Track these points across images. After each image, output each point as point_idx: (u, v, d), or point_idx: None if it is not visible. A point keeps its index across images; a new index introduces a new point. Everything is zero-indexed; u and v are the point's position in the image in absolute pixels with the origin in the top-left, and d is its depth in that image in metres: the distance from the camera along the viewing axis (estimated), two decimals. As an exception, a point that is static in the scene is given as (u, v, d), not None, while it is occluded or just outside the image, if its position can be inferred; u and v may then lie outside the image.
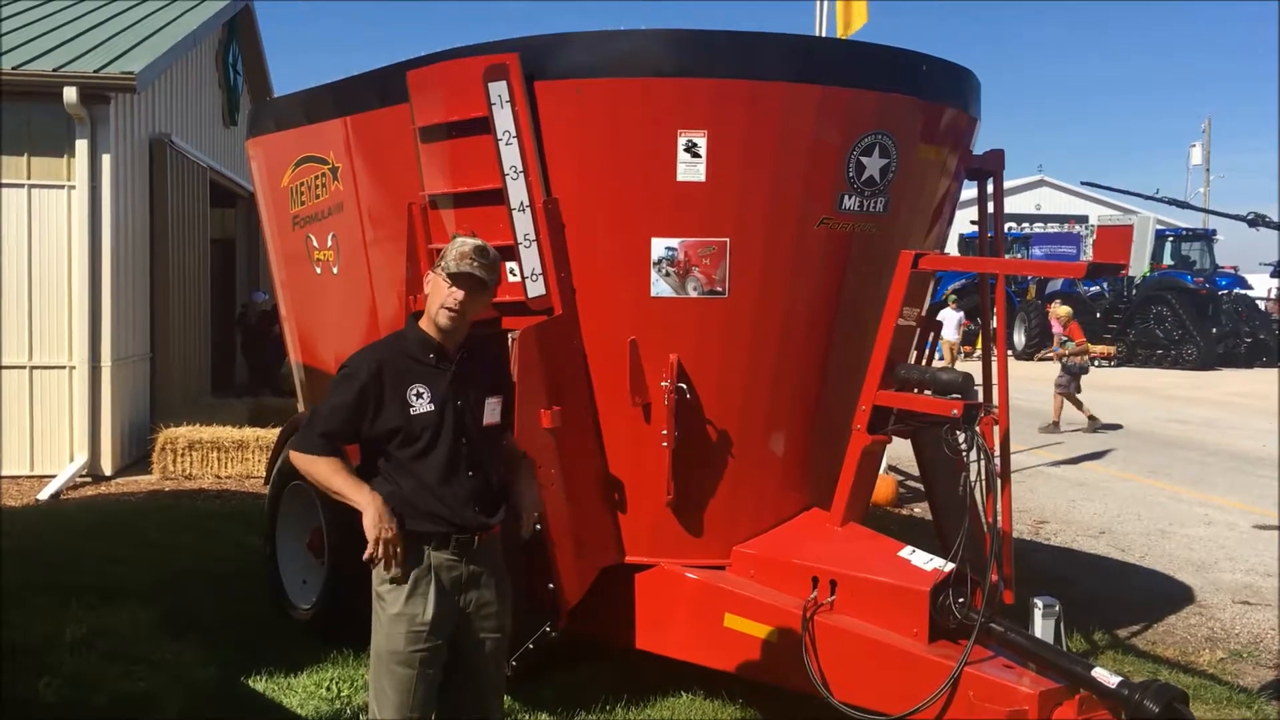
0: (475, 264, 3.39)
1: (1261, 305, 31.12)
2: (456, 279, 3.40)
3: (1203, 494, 10.93)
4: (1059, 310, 16.94)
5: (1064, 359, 15.53)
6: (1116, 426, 15.50)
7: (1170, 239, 30.98)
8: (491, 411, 3.56)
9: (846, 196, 4.56)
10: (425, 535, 3.41)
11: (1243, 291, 30.52)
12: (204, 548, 7.54)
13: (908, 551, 4.51)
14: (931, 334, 5.29)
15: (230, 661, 5.33)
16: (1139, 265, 27.55)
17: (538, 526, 4.46)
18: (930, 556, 4.44)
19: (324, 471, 3.38)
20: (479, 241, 3.48)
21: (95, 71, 9.97)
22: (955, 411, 4.29)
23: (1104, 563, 8.24)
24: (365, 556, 3.29)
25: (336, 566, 5.50)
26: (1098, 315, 30.22)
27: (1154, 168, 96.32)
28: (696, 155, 4.39)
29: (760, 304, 4.58)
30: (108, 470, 10.37)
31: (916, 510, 9.70)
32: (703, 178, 4.42)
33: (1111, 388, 22.17)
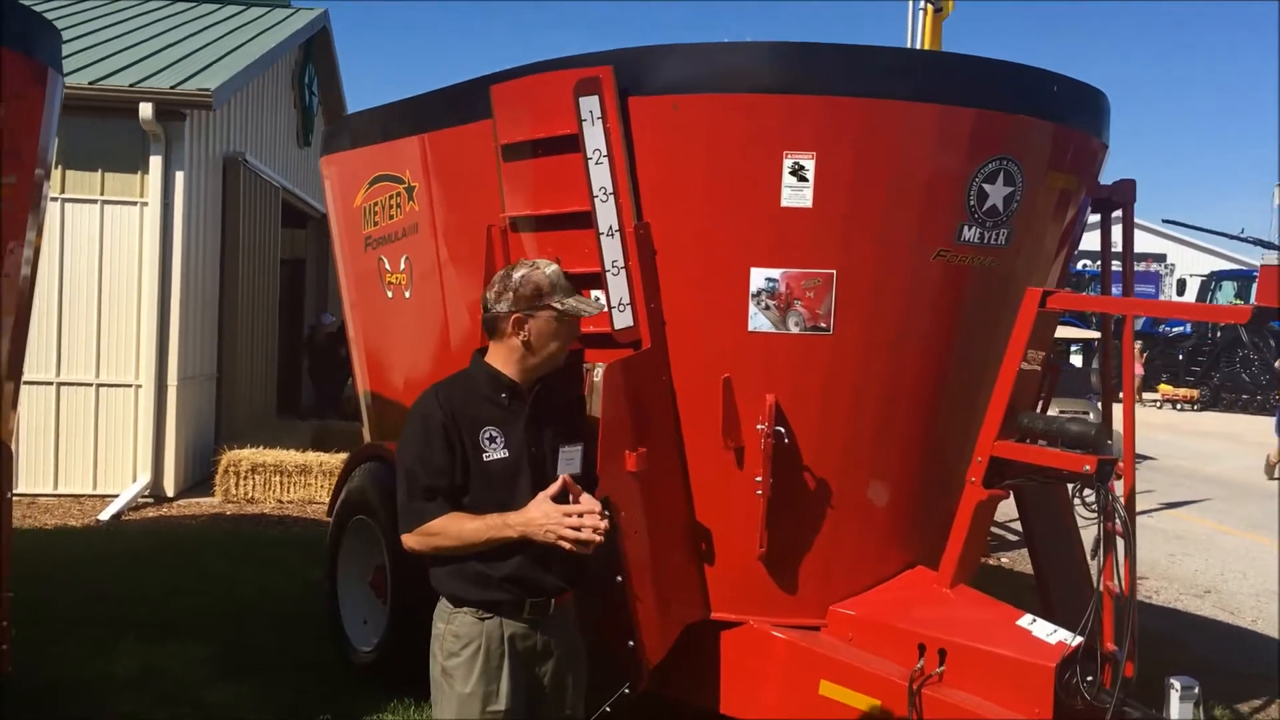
0: (580, 300, 3.18)
1: (1353, 350, 29.95)
2: (569, 318, 3.14)
3: (1310, 552, 10.27)
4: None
5: None
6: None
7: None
8: (570, 461, 3.17)
9: (966, 227, 4.16)
10: (498, 603, 3.05)
11: (1334, 335, 29.39)
12: (265, 580, 7.27)
13: (1028, 620, 4.07)
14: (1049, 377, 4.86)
15: (283, 707, 5.03)
16: None
17: (618, 578, 4.10)
18: (1054, 628, 4.00)
19: (452, 534, 2.97)
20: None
21: (171, 88, 9.88)
22: (1088, 468, 3.86)
23: (1213, 625, 7.68)
24: (584, 547, 2.93)
25: (399, 608, 5.17)
26: (1180, 357, 29.31)
27: (1235, 207, 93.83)
28: (803, 179, 4.02)
29: (868, 342, 4.19)
30: (170, 491, 10.21)
31: (1004, 560, 9.20)
32: (809, 204, 4.04)
33: (1198, 433, 21.37)
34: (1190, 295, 31.66)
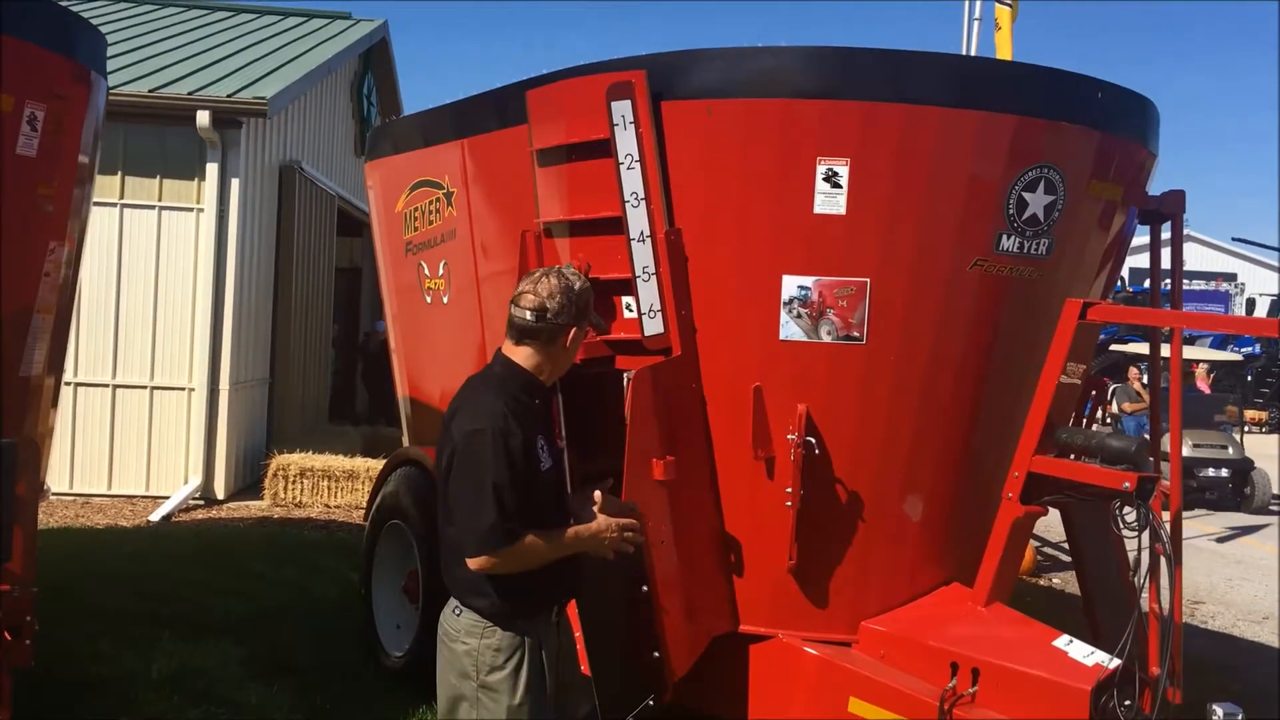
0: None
1: None
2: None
3: (1377, 580, 9.93)
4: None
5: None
6: None
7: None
8: None
9: (1005, 236, 4.06)
10: (536, 614, 3.09)
11: None
12: (305, 583, 7.32)
13: (1064, 641, 3.95)
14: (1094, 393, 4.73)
15: (314, 709, 5.04)
16: None
17: (644, 588, 4.05)
18: (1091, 649, 3.87)
19: (540, 552, 2.96)
20: None
21: (228, 96, 10.03)
22: (1127, 485, 3.74)
23: (1270, 652, 7.44)
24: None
25: (431, 613, 5.16)
26: (1248, 378, 28.56)
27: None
28: (837, 185, 3.96)
29: (902, 352, 4.10)
30: (220, 494, 10.33)
31: (1056, 580, 8.99)
32: (843, 210, 3.97)
33: (1261, 456, 20.72)
34: (1260, 314, 30.90)
